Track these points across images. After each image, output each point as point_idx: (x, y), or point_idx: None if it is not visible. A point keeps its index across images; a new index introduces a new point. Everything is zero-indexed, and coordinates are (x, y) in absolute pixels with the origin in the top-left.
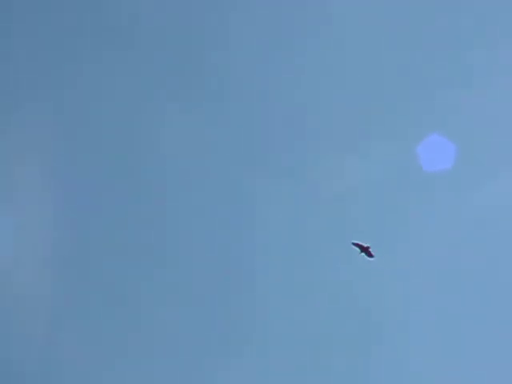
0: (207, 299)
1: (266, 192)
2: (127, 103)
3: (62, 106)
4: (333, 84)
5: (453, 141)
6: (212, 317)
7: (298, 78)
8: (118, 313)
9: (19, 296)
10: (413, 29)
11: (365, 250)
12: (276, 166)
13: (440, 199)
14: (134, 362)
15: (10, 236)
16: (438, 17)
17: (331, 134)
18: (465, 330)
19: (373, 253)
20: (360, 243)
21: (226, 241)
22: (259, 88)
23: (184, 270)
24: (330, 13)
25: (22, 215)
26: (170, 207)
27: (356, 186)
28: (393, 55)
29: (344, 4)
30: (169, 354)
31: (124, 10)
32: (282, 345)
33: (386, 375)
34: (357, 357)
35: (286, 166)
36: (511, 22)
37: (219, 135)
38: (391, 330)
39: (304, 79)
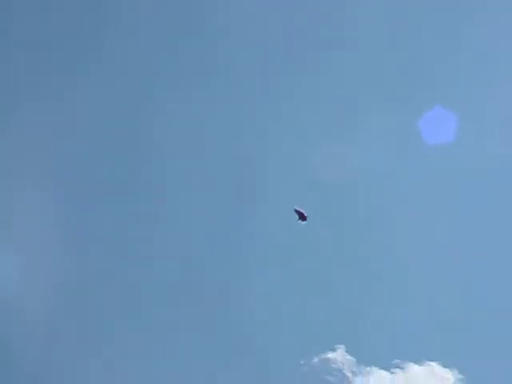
0: (206, 297)
1: (265, 188)
2: (127, 103)
3: (61, 106)
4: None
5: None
6: (211, 316)
7: (297, 72)
8: (117, 313)
9: (19, 295)
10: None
11: (303, 217)
12: (275, 162)
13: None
14: (133, 362)
15: (9, 234)
16: None
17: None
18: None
19: (306, 217)
20: (301, 211)
21: (225, 241)
22: (259, 85)
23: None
24: None
25: (21, 214)
26: (169, 207)
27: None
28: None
29: None
30: (169, 354)
31: (124, 10)
32: (282, 342)
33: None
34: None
35: (285, 156)
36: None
37: (218, 135)
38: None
39: (302, 70)
